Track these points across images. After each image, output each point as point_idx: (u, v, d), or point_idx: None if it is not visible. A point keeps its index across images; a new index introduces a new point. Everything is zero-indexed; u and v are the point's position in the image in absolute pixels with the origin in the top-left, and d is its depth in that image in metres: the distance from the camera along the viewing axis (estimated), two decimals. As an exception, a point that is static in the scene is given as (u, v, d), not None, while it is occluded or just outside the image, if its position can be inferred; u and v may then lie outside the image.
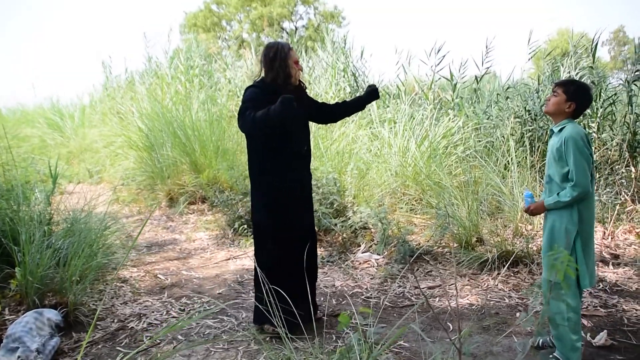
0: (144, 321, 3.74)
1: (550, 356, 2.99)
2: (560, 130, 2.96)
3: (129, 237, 5.87)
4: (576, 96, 2.95)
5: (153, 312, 3.92)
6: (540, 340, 3.22)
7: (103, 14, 66.96)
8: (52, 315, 3.37)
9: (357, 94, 8.55)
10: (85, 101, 14.95)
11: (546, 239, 3.02)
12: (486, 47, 7.48)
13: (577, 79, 6.44)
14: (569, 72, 6.74)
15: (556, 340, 2.97)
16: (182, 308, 4.00)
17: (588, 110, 6.24)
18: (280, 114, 3.09)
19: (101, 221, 4.67)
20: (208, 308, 3.98)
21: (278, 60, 3.35)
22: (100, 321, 3.71)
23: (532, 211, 3.11)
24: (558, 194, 2.91)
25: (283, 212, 3.42)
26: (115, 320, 3.74)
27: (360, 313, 3.46)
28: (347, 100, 3.83)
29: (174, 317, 3.84)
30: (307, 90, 3.67)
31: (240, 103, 3.37)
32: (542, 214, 3.12)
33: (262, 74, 3.47)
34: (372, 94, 3.68)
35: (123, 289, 4.40)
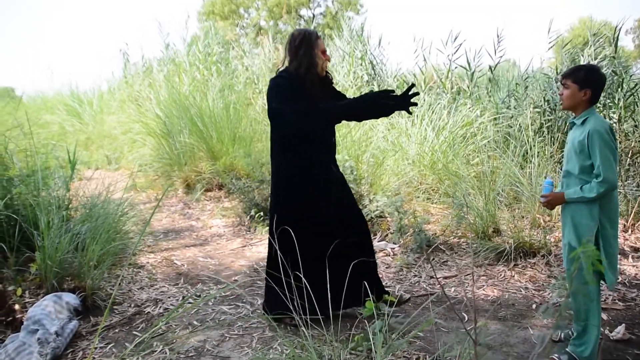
0: (160, 306, 3.77)
1: (563, 351, 2.96)
2: (583, 122, 2.82)
3: (145, 223, 5.93)
4: (588, 81, 2.80)
5: (169, 297, 3.96)
6: (562, 334, 3.19)
7: (120, 2, 67.20)
8: (71, 299, 3.42)
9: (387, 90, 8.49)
10: (103, 88, 15.06)
11: (567, 235, 2.91)
12: (497, 37, 7.38)
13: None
14: (589, 62, 6.63)
15: (577, 333, 2.92)
16: (198, 294, 4.04)
17: (608, 100, 6.14)
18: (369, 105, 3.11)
19: (118, 207, 4.71)
20: (224, 294, 4.01)
21: (303, 48, 3.23)
22: (117, 306, 3.75)
23: (549, 201, 2.97)
24: (582, 187, 2.78)
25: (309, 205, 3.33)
26: (132, 305, 3.78)
27: (383, 301, 3.44)
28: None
29: (189, 302, 3.87)
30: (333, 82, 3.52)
31: (265, 93, 3.27)
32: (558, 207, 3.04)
33: (287, 63, 3.36)
34: (401, 105, 3.27)
35: (140, 275, 4.44)
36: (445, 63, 8.12)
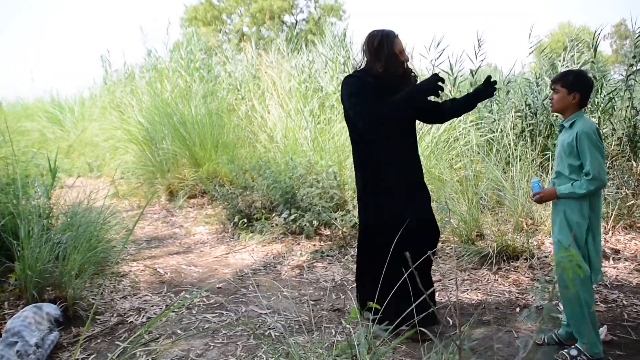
0: (143, 315, 3.73)
1: (572, 346, 3.00)
2: (572, 125, 2.95)
3: (128, 231, 5.87)
4: (577, 85, 2.93)
5: (152, 306, 3.92)
6: (545, 337, 3.22)
7: (101, 9, 66.74)
8: (51, 309, 3.36)
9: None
10: (85, 95, 14.94)
11: (557, 233, 3.01)
12: (478, 41, 7.45)
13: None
14: (568, 67, 6.71)
15: (577, 335, 2.98)
16: (182, 302, 4.00)
17: (589, 106, 6.22)
18: (424, 92, 3.09)
19: (100, 215, 4.66)
20: (207, 302, 3.97)
21: (385, 49, 3.19)
22: (99, 315, 3.71)
23: (542, 197, 3.06)
24: (572, 184, 2.89)
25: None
26: (115, 315, 3.73)
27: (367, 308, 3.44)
28: (457, 97, 3.51)
29: (173, 311, 3.83)
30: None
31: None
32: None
33: (363, 64, 3.31)
34: (485, 91, 3.34)
35: (122, 284, 4.39)
36: (427, 68, 8.16)
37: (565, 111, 2.99)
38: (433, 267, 4.69)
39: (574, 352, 2.95)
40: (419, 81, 3.33)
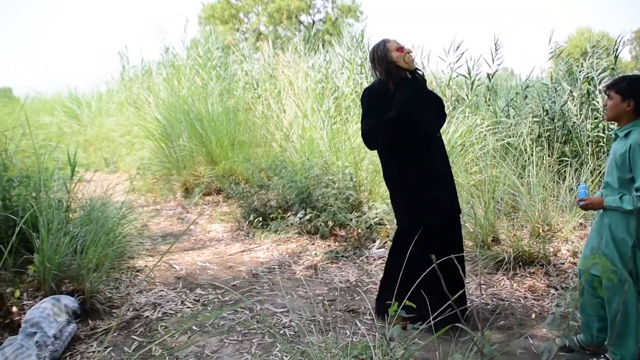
0: (159, 310, 3.76)
1: (602, 356, 2.98)
2: (627, 135, 2.80)
3: (144, 227, 5.91)
4: (631, 92, 2.78)
5: (168, 301, 3.94)
6: (567, 341, 3.19)
7: (119, 6, 67.21)
8: (69, 302, 3.40)
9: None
10: (102, 90, 15.06)
11: (603, 247, 2.86)
12: (495, 45, 7.42)
13: (591, 79, 6.36)
14: (588, 73, 6.67)
15: (614, 347, 2.92)
16: (197, 299, 4.02)
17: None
18: (396, 115, 3.24)
19: (118, 210, 4.70)
20: (222, 300, 3.99)
21: (377, 58, 3.40)
22: (115, 309, 3.74)
23: (587, 205, 2.94)
24: (621, 197, 2.76)
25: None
26: (131, 309, 3.76)
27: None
28: None
29: (188, 307, 3.86)
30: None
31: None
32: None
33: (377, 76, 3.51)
34: None
35: (138, 278, 4.42)
36: (444, 70, 8.16)
37: (620, 119, 2.85)
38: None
39: None
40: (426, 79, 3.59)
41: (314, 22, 34.93)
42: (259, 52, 11.91)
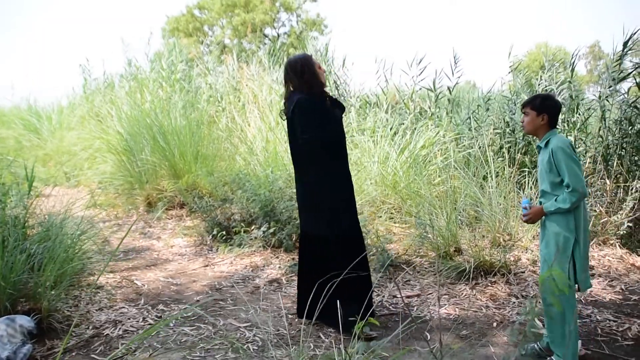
0: (120, 328, 3.69)
1: (549, 358, 3.08)
2: (547, 144, 3.09)
3: (105, 242, 5.80)
4: (544, 107, 3.10)
5: (129, 319, 3.87)
6: (528, 348, 3.28)
7: (82, 19, 66.23)
8: (25, 321, 3.30)
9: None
10: (63, 103, 14.77)
11: (545, 248, 3.11)
12: (454, 59, 7.58)
13: (550, 91, 6.56)
14: (546, 86, 6.85)
15: (555, 348, 3.05)
16: (159, 315, 3.96)
17: (565, 125, 6.35)
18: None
19: (78, 226, 4.60)
20: (185, 315, 3.94)
21: (307, 72, 3.51)
22: (74, 328, 3.65)
23: (531, 218, 3.17)
24: (556, 199, 3.00)
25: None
26: (90, 327, 3.68)
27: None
28: None
29: (150, 324, 3.79)
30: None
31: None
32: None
33: (291, 88, 3.60)
34: None
35: (99, 295, 4.33)
36: (407, 84, 8.27)
37: (538, 132, 3.16)
38: (412, 281, 4.72)
39: None
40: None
41: (278, 35, 35.08)
42: (223, 65, 11.87)
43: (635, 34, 5.82)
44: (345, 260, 3.26)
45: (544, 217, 3.13)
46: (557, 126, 3.24)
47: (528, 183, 5.74)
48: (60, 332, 3.51)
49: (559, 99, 6.50)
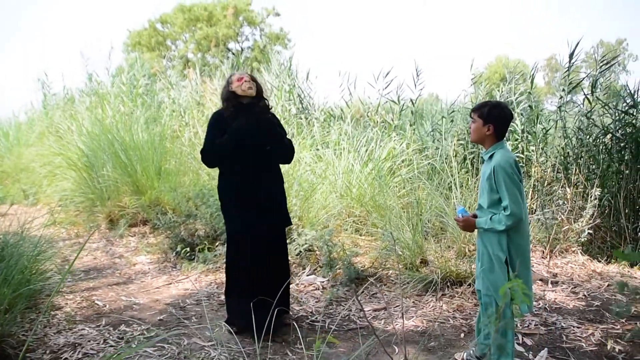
0: (79, 351, 3.56)
1: None
2: (490, 157, 2.96)
3: (65, 262, 5.63)
4: (491, 117, 2.93)
5: (89, 341, 3.74)
6: (465, 355, 3.32)
7: (40, 31, 64.96)
8: (-22, 347, 3.16)
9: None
10: (21, 119, 14.41)
11: (481, 263, 3.04)
12: (416, 71, 7.68)
13: (510, 103, 6.69)
14: (507, 98, 6.97)
15: (500, 352, 2.99)
16: (121, 336, 3.84)
17: (526, 134, 6.46)
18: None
19: (35, 245, 4.45)
20: (148, 335, 3.83)
21: (221, 90, 3.91)
22: (30, 353, 3.50)
23: (461, 227, 3.13)
24: (491, 218, 2.91)
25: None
26: (48, 352, 3.54)
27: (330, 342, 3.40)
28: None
29: (111, 345, 3.67)
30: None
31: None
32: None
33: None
34: None
35: (57, 317, 4.18)
36: (370, 96, 8.35)
37: (484, 142, 3.01)
38: (378, 294, 4.69)
39: None
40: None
41: (242, 49, 35.03)
42: (186, 80, 11.76)
43: (577, 45, 6.03)
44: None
45: (478, 231, 3.06)
46: (506, 137, 3.11)
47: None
48: (14, 358, 3.36)
49: (519, 109, 6.64)
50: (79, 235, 7.31)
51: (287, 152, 3.97)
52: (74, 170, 8.45)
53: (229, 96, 3.77)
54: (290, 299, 4.58)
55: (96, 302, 4.63)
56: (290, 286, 4.88)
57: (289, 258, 5.19)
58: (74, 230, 7.52)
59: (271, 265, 3.81)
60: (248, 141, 3.67)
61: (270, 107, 3.95)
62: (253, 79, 3.81)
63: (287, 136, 4.02)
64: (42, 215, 7.55)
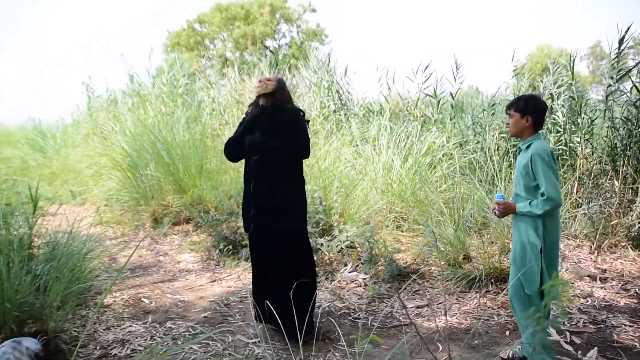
0: (127, 347, 3.65)
1: None
2: (528, 147, 3.10)
3: (112, 260, 5.77)
4: (528, 109, 3.10)
5: (137, 337, 3.83)
6: (510, 352, 3.27)
7: (82, 34, 66.50)
8: (31, 344, 3.27)
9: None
10: (67, 121, 14.83)
11: (514, 253, 3.14)
12: (456, 65, 7.58)
13: (549, 95, 6.54)
14: (550, 89, 6.81)
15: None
16: (167, 333, 3.92)
17: (572, 126, 6.30)
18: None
19: (84, 244, 4.57)
20: (193, 332, 3.89)
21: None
22: (82, 348, 3.61)
23: (500, 210, 3.20)
24: (530, 202, 3.01)
25: None
26: (98, 347, 3.64)
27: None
28: None
29: (158, 342, 3.75)
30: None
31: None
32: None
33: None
34: None
35: (106, 315, 4.30)
36: (409, 91, 8.27)
37: (522, 134, 3.15)
38: (421, 291, 4.66)
39: None
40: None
41: (279, 46, 35.17)
42: (225, 79, 11.87)
43: (628, 30, 5.78)
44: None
45: (515, 220, 3.16)
46: (543, 129, 3.20)
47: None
48: (67, 353, 3.47)
49: (560, 101, 6.48)
50: (124, 233, 7.48)
51: (280, 153, 3.72)
52: (119, 170, 8.65)
53: (256, 100, 3.86)
54: (332, 296, 4.60)
55: (142, 299, 4.73)
56: (332, 283, 4.90)
57: (330, 255, 5.21)
58: (119, 229, 7.70)
59: (278, 268, 3.71)
60: (247, 143, 3.76)
61: (281, 103, 3.75)
62: (268, 79, 3.77)
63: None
64: (89, 215, 7.76)
